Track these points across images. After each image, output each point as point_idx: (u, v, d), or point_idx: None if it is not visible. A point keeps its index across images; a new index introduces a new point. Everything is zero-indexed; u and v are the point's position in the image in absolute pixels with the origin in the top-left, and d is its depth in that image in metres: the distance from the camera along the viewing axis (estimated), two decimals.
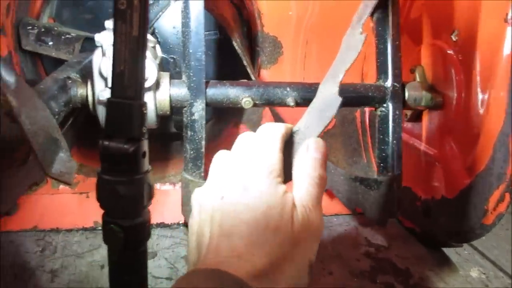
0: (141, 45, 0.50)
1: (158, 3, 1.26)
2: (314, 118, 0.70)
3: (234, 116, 1.24)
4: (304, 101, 0.89)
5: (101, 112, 0.78)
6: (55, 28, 1.16)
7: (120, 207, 0.52)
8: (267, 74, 1.20)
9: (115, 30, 0.50)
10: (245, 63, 1.04)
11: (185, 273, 0.45)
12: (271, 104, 0.89)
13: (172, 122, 1.31)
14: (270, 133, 0.56)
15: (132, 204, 0.53)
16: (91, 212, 1.02)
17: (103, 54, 0.72)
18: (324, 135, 1.29)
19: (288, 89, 0.88)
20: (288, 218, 0.46)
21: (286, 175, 0.56)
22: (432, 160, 0.96)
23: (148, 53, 0.77)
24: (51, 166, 0.59)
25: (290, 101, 0.88)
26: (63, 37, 1.14)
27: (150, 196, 0.55)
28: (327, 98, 0.69)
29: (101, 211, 1.04)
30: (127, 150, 0.51)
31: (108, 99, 0.52)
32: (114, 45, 0.50)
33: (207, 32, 1.29)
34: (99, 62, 0.74)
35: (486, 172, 0.77)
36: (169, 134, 1.32)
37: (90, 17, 1.26)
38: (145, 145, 0.53)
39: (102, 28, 1.26)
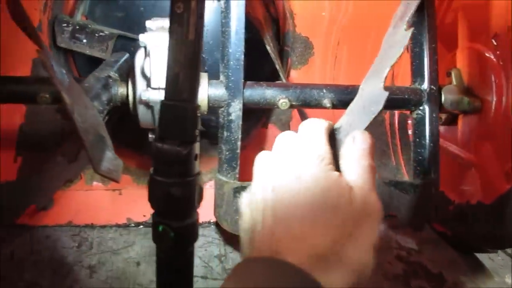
0: (197, 49, 0.51)
1: None
2: (358, 115, 0.70)
3: (263, 115, 1.24)
4: (340, 102, 0.89)
5: (142, 111, 0.79)
6: (89, 26, 1.17)
7: (172, 208, 0.53)
8: (297, 74, 1.20)
9: (170, 33, 0.51)
10: (277, 66, 1.04)
11: (240, 262, 0.43)
12: (308, 106, 0.89)
13: (200, 120, 1.31)
14: (315, 126, 0.54)
15: (184, 206, 0.54)
16: (123, 209, 1.03)
17: (147, 55, 0.73)
18: None
19: (324, 90, 0.88)
20: (347, 198, 0.43)
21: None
22: (467, 164, 0.95)
23: None
24: (100, 164, 0.60)
25: (327, 102, 0.88)
26: (96, 35, 1.16)
27: (200, 197, 0.55)
28: (372, 94, 0.69)
29: (133, 209, 1.06)
30: (181, 153, 0.52)
31: (162, 101, 0.52)
32: (169, 47, 0.51)
33: None
34: (142, 62, 0.75)
35: None
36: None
37: (122, 15, 1.26)
38: (197, 148, 0.54)
39: (133, 26, 1.28)
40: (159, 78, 0.72)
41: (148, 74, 0.73)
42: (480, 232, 0.90)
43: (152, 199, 0.54)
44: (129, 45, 1.22)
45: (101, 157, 0.62)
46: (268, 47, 1.02)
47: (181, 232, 0.54)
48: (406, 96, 0.90)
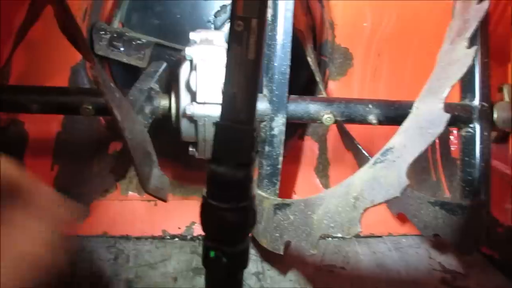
0: (257, 69, 0.49)
1: (226, 9, 1.25)
2: (413, 136, 0.67)
3: (299, 127, 1.21)
4: (387, 119, 0.85)
5: (185, 125, 0.77)
6: (126, 34, 1.17)
7: (226, 234, 0.51)
8: (335, 86, 1.17)
9: (229, 52, 0.49)
10: (317, 79, 1.01)
11: None
12: (352, 121, 0.86)
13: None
14: None
15: (238, 231, 0.51)
16: (159, 220, 1.02)
17: (193, 68, 0.71)
18: None
19: (370, 106, 0.85)
20: None
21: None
22: None
23: None
24: (148, 182, 0.58)
25: (373, 118, 0.84)
26: (134, 43, 1.15)
27: (254, 222, 0.53)
28: (430, 114, 0.66)
29: (168, 220, 1.04)
30: (237, 176, 0.50)
31: (218, 122, 0.50)
32: (228, 66, 0.49)
33: None
34: (187, 75, 0.73)
35: None
36: None
37: (158, 22, 1.26)
38: (253, 170, 0.52)
39: (169, 33, 1.27)
40: (205, 92, 0.70)
41: (193, 88, 0.71)
42: None
43: (205, 224, 0.52)
44: (165, 53, 1.21)
45: (148, 174, 0.61)
46: (309, 59, 0.99)
47: (233, 258, 0.52)
48: (456, 113, 0.87)
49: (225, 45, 0.83)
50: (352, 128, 0.94)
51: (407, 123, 0.69)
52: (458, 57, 0.66)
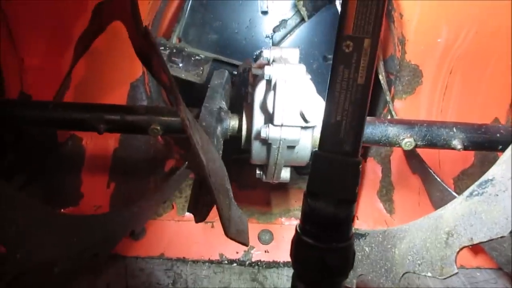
0: (366, 95, 0.43)
1: (286, 24, 1.21)
2: None
3: (361, 147, 1.15)
4: (473, 144, 0.78)
5: (256, 147, 0.72)
6: (185, 49, 1.15)
7: (323, 277, 0.46)
8: (402, 104, 1.10)
9: (334, 74, 0.44)
10: (387, 98, 0.95)
11: None
12: (434, 146, 0.79)
13: None
14: None
15: (335, 275, 0.46)
16: (216, 243, 0.98)
17: (272, 88, 0.66)
18: (461, 175, 1.17)
19: (454, 129, 0.78)
20: None
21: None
22: None
23: (313, 87, 0.70)
24: (229, 225, 0.53)
25: (457, 143, 0.77)
26: (192, 58, 1.13)
27: (352, 264, 0.47)
28: None
29: (226, 243, 0.99)
30: (338, 215, 0.45)
31: (316, 152, 0.46)
32: (331, 91, 0.44)
33: (330, 56, 1.22)
34: (262, 95, 0.69)
35: None
36: None
37: (216, 38, 1.23)
38: (355, 209, 0.46)
39: (225, 49, 1.24)
40: (283, 114, 0.66)
41: (270, 110, 0.67)
42: None
43: (298, 263, 0.47)
44: (222, 68, 1.18)
45: (229, 216, 0.56)
46: (380, 77, 0.93)
47: None
48: None
49: (302, 64, 0.79)
50: (433, 154, 0.87)
51: (509, 152, 0.62)
52: None
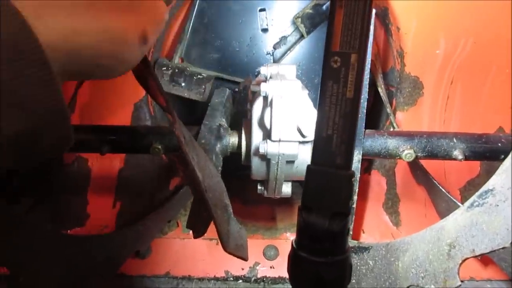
0: (356, 108, 0.44)
1: (286, 40, 1.23)
2: None
3: (365, 160, 1.15)
4: (474, 154, 0.78)
5: (256, 163, 0.73)
6: (187, 69, 1.17)
7: None
8: (403, 117, 1.10)
9: (324, 90, 0.45)
10: (388, 110, 0.96)
11: None
12: (435, 157, 0.79)
13: None
14: None
15: None
16: (221, 260, 0.98)
17: (268, 105, 0.67)
18: (467, 185, 1.16)
19: (455, 140, 0.78)
20: None
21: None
22: None
23: (310, 102, 0.71)
24: (228, 240, 0.54)
25: (458, 154, 0.77)
26: (194, 77, 1.15)
27: (350, 278, 0.47)
28: None
29: (231, 260, 0.99)
30: (332, 228, 0.45)
31: (310, 166, 0.46)
32: (321, 105, 0.45)
33: None
34: (260, 112, 0.70)
35: None
36: None
37: (218, 56, 1.25)
38: (350, 221, 0.46)
39: (228, 67, 1.26)
40: (280, 130, 0.66)
41: (267, 125, 0.67)
42: None
43: (295, 278, 0.47)
44: (225, 86, 1.20)
45: (228, 231, 0.57)
46: (379, 89, 0.94)
47: None
48: None
49: (298, 80, 0.80)
50: (433, 164, 0.86)
51: (509, 161, 0.62)
52: None
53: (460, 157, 0.77)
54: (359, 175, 0.76)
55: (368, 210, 1.08)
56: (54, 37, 0.33)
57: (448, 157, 0.78)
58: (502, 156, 0.79)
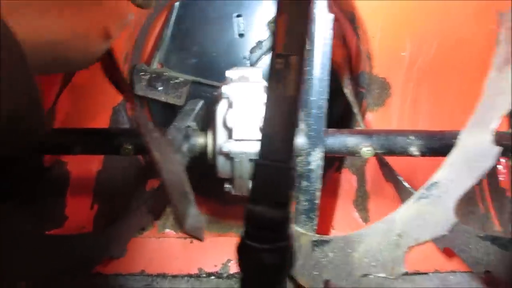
0: (295, 106, 0.48)
1: (261, 45, 1.27)
2: (460, 170, 0.63)
3: (336, 160, 1.19)
4: (430, 150, 0.82)
5: (221, 162, 0.77)
6: (165, 74, 1.20)
7: (263, 276, 0.49)
8: (373, 117, 1.14)
9: (268, 89, 0.48)
10: (355, 110, 1.00)
11: None
12: (393, 154, 0.83)
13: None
14: None
15: (276, 274, 0.49)
16: (195, 257, 1.01)
17: (230, 106, 0.71)
18: None
19: (412, 137, 0.82)
20: None
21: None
22: None
23: None
24: (185, 221, 0.57)
25: (414, 150, 0.81)
26: (171, 82, 1.19)
27: (292, 263, 0.51)
28: (478, 148, 0.63)
29: (204, 257, 1.03)
30: (274, 216, 0.48)
31: (256, 161, 0.50)
32: (267, 105, 0.48)
33: None
34: (224, 113, 0.74)
35: None
36: None
37: (196, 61, 1.29)
38: (291, 211, 0.50)
39: (206, 71, 1.30)
40: (242, 129, 0.70)
41: (230, 126, 0.71)
42: None
43: (242, 265, 0.50)
44: (202, 90, 1.24)
45: (185, 214, 0.60)
46: (346, 90, 0.98)
47: None
48: (504, 142, 0.82)
49: (263, 82, 0.84)
50: (391, 158, 0.90)
51: (453, 156, 0.66)
52: (506, 86, 0.63)
53: (416, 153, 0.81)
54: (321, 172, 0.80)
55: (338, 207, 1.12)
56: (28, 34, 0.37)
57: (405, 153, 0.82)
58: None
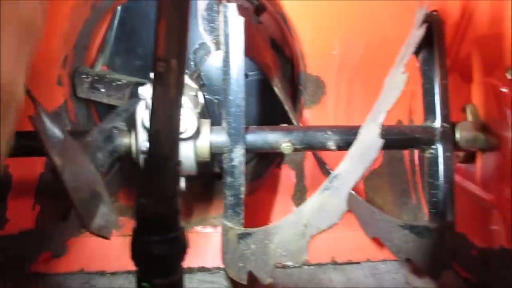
0: (177, 107, 0.51)
1: (204, 46, 1.30)
2: (355, 162, 0.68)
3: (277, 156, 1.23)
4: (347, 144, 0.86)
5: (143, 161, 0.80)
6: (107, 76, 1.22)
7: (153, 266, 0.53)
8: (310, 114, 1.19)
9: (153, 91, 0.52)
10: (286, 108, 1.04)
11: None
12: (312, 149, 0.87)
13: (216, 161, 1.32)
14: None
15: (165, 263, 0.53)
16: None
17: (147, 107, 0.74)
18: (370, 175, 1.25)
19: (329, 132, 0.86)
20: None
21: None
22: (488, 206, 0.89)
23: (189, 103, 0.78)
24: (91, 221, 0.60)
25: (331, 145, 0.86)
26: (114, 84, 1.21)
27: (184, 253, 0.54)
28: (368, 141, 0.67)
29: None
30: (161, 209, 0.52)
31: (144, 158, 0.53)
32: (152, 105, 0.52)
33: (252, 73, 1.31)
34: (142, 114, 0.77)
35: None
36: (212, 174, 1.32)
37: (141, 63, 1.32)
38: (179, 203, 0.53)
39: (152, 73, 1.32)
40: None
41: (148, 126, 0.74)
42: (504, 280, 0.82)
43: (134, 257, 0.54)
44: None
45: (93, 214, 0.63)
46: (276, 89, 1.02)
47: None
48: (417, 135, 0.87)
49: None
50: (329, 153, 0.93)
51: (352, 149, 0.70)
52: (396, 82, 0.68)
53: (333, 147, 0.85)
54: (244, 168, 0.84)
55: (277, 202, 1.16)
56: None
57: (324, 148, 0.86)
58: None
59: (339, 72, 1.15)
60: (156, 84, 0.51)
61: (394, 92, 0.66)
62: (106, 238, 0.63)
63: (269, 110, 1.31)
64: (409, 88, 1.15)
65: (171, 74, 0.50)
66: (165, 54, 0.51)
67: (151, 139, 0.52)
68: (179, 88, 0.51)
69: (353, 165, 0.65)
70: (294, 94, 1.27)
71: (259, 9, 1.23)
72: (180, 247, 0.53)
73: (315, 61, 1.13)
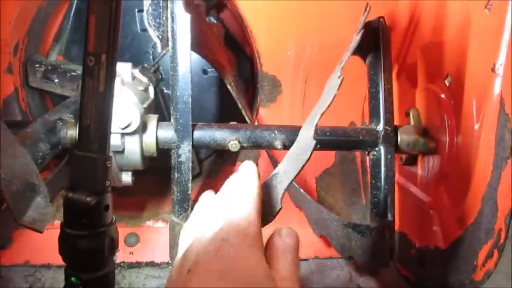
0: (108, 101, 0.52)
1: (164, 40, 1.29)
2: (292, 162, 0.69)
3: (233, 153, 1.24)
4: (292, 144, 0.87)
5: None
6: (62, 66, 1.20)
7: (80, 260, 0.53)
8: (266, 112, 1.20)
9: (82, 86, 0.52)
10: (240, 105, 1.05)
11: None
12: (259, 147, 0.89)
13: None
14: (247, 188, 0.56)
15: (92, 258, 0.53)
16: None
17: None
18: (323, 174, 1.28)
19: (276, 132, 0.87)
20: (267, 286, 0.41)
21: (266, 217, 0.58)
22: (426, 207, 0.92)
23: (134, 98, 0.78)
24: (23, 214, 0.59)
25: (278, 144, 0.87)
26: (68, 74, 1.18)
27: (113, 248, 0.55)
28: (303, 142, 0.69)
29: None
30: (89, 204, 0.52)
31: (74, 152, 0.53)
32: (81, 100, 0.52)
33: (211, 69, 1.32)
34: None
35: (475, 225, 0.74)
36: (166, 168, 1.32)
37: None
38: (108, 198, 0.54)
39: None
40: None
41: None
42: (437, 279, 0.86)
43: (62, 252, 0.54)
44: None
45: (25, 206, 0.62)
46: (229, 87, 1.03)
47: (91, 284, 0.53)
48: (361, 137, 0.90)
49: (129, 77, 0.86)
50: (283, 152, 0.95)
51: (291, 149, 0.72)
52: (332, 85, 0.70)
53: (279, 146, 0.87)
54: (190, 164, 0.84)
55: None
56: None
57: (271, 146, 0.87)
58: (318, 146, 0.90)
59: (295, 72, 1.17)
60: (85, 78, 0.51)
61: (330, 95, 0.68)
62: (39, 231, 0.63)
63: (229, 107, 1.32)
64: (363, 91, 1.19)
65: (101, 69, 0.51)
66: (95, 49, 0.51)
67: (79, 133, 0.52)
68: (110, 82, 0.51)
69: (289, 165, 0.66)
70: (255, 93, 1.28)
71: (219, 6, 1.24)
72: (108, 242, 0.53)
73: (270, 61, 1.14)
